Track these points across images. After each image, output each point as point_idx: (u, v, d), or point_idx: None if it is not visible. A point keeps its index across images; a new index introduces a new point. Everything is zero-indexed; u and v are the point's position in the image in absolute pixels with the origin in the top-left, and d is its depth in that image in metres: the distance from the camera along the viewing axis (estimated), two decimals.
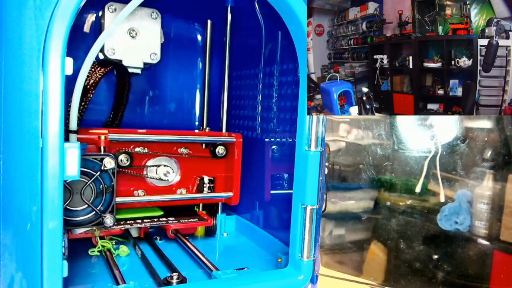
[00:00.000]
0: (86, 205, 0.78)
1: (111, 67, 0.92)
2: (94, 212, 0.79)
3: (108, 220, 0.80)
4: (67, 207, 0.75)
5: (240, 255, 0.95)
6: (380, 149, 0.76)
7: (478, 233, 0.69)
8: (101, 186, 0.78)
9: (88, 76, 0.88)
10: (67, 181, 0.74)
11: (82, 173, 0.76)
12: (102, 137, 0.84)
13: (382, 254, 0.77)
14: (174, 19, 1.11)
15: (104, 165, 0.78)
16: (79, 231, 0.81)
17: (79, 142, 0.61)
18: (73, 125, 0.72)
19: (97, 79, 0.89)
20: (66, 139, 0.76)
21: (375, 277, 0.78)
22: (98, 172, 0.77)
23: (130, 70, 0.96)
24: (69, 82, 0.59)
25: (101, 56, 0.96)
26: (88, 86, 0.88)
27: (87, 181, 0.77)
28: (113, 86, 1.03)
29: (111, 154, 0.79)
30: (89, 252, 0.88)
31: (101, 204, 0.79)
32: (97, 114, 1.02)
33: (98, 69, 0.91)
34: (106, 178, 0.79)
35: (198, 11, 1.14)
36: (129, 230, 0.97)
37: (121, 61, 0.93)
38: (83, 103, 0.89)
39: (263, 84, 1.01)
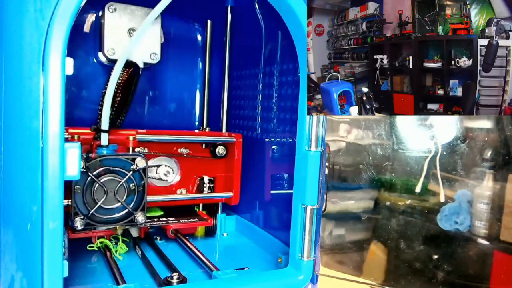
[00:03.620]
0: (119, 203, 0.80)
1: (132, 68, 0.92)
2: (126, 210, 0.81)
3: (140, 217, 0.82)
4: (102, 205, 0.78)
5: (240, 255, 0.95)
6: (380, 149, 0.76)
7: (478, 233, 0.69)
8: (132, 184, 0.81)
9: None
10: (102, 181, 0.77)
11: (115, 172, 0.79)
12: (131, 138, 0.86)
13: (382, 254, 0.77)
14: (174, 19, 1.11)
15: (136, 165, 0.80)
16: (104, 228, 0.84)
17: (79, 142, 0.61)
18: (105, 125, 0.76)
19: (123, 81, 0.88)
20: (98, 138, 0.79)
21: (375, 277, 0.78)
22: (131, 172, 0.80)
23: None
24: (70, 81, 0.59)
25: (101, 57, 0.96)
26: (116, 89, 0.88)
27: (120, 180, 0.79)
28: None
29: (141, 154, 0.82)
30: (88, 247, 0.88)
31: (133, 202, 0.82)
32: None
33: (122, 70, 0.90)
34: (137, 177, 0.82)
35: (198, 11, 1.14)
36: (129, 230, 0.97)
37: (136, 63, 0.93)
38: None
39: (263, 84, 1.01)
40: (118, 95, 0.85)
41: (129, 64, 0.90)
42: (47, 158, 0.56)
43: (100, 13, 0.95)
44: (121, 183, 0.79)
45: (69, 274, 0.61)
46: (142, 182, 0.82)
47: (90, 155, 0.77)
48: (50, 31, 0.55)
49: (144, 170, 0.82)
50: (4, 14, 0.57)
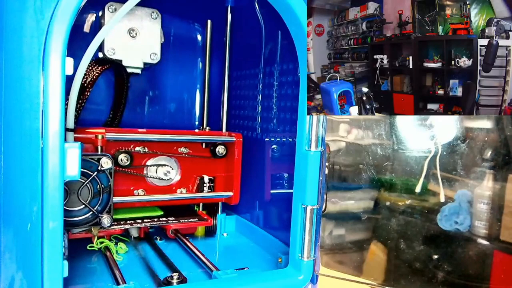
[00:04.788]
0: (83, 206, 0.77)
1: (108, 66, 0.92)
2: (91, 212, 0.78)
3: (105, 220, 0.80)
4: (64, 207, 0.74)
5: (240, 255, 0.95)
6: (380, 149, 0.76)
7: (478, 233, 0.69)
8: (98, 186, 0.78)
9: (85, 75, 0.88)
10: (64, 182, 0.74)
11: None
12: (100, 136, 0.82)
13: (382, 254, 0.77)
14: (174, 19, 1.11)
15: (101, 165, 0.78)
16: (76, 231, 0.81)
17: (80, 142, 0.61)
18: (70, 123, 0.70)
19: (94, 78, 0.88)
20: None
21: (375, 277, 0.78)
22: (95, 173, 0.77)
23: (130, 70, 0.96)
24: (67, 81, 0.59)
25: (101, 56, 0.96)
26: (85, 85, 0.88)
27: (84, 181, 0.76)
28: (113, 85, 1.03)
29: (108, 154, 0.79)
30: (88, 247, 0.88)
31: (98, 204, 0.79)
32: (97, 113, 1.03)
33: (96, 67, 0.91)
34: (103, 178, 0.79)
35: (198, 11, 1.14)
36: (129, 230, 0.97)
37: (121, 61, 0.93)
38: (80, 101, 0.89)
39: (263, 84, 1.01)
40: (87, 92, 0.84)
41: (104, 61, 0.89)
42: (47, 158, 0.56)
43: (100, 13, 0.95)
44: (84, 184, 0.76)
45: (69, 274, 0.61)
46: (109, 184, 0.79)
47: None
48: (50, 31, 0.55)
49: (110, 171, 0.79)
50: (4, 14, 0.57)
